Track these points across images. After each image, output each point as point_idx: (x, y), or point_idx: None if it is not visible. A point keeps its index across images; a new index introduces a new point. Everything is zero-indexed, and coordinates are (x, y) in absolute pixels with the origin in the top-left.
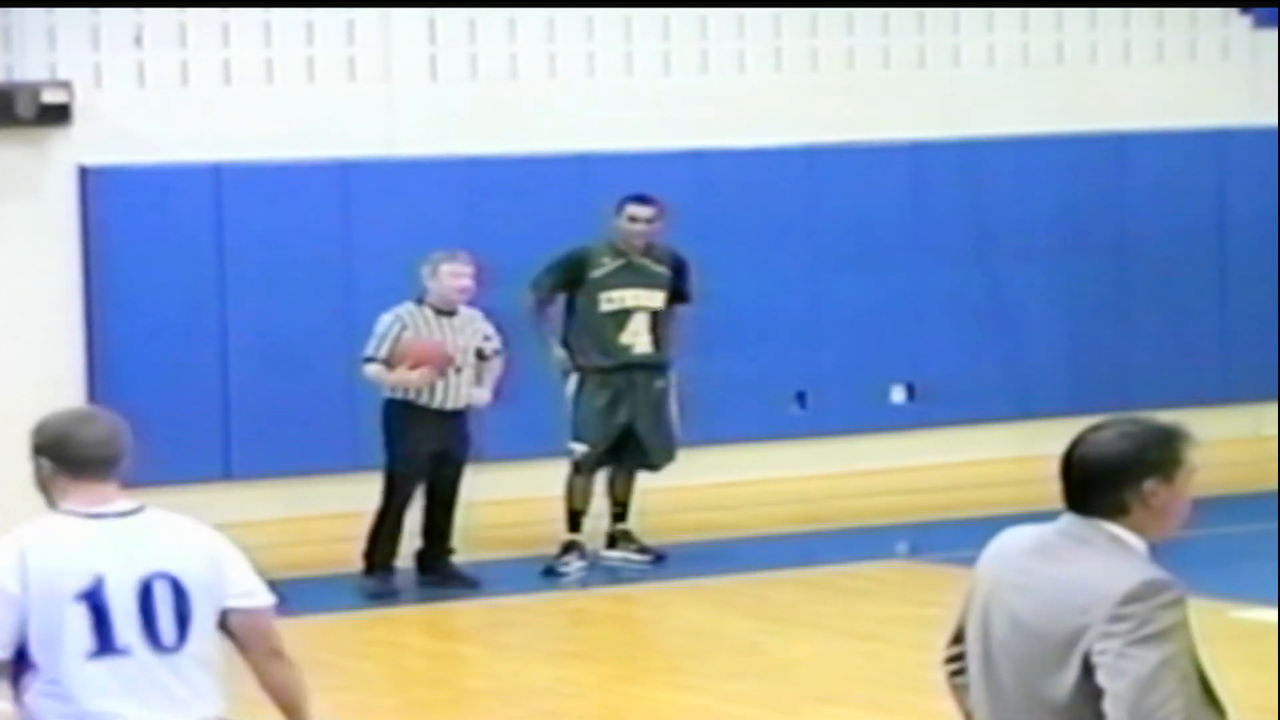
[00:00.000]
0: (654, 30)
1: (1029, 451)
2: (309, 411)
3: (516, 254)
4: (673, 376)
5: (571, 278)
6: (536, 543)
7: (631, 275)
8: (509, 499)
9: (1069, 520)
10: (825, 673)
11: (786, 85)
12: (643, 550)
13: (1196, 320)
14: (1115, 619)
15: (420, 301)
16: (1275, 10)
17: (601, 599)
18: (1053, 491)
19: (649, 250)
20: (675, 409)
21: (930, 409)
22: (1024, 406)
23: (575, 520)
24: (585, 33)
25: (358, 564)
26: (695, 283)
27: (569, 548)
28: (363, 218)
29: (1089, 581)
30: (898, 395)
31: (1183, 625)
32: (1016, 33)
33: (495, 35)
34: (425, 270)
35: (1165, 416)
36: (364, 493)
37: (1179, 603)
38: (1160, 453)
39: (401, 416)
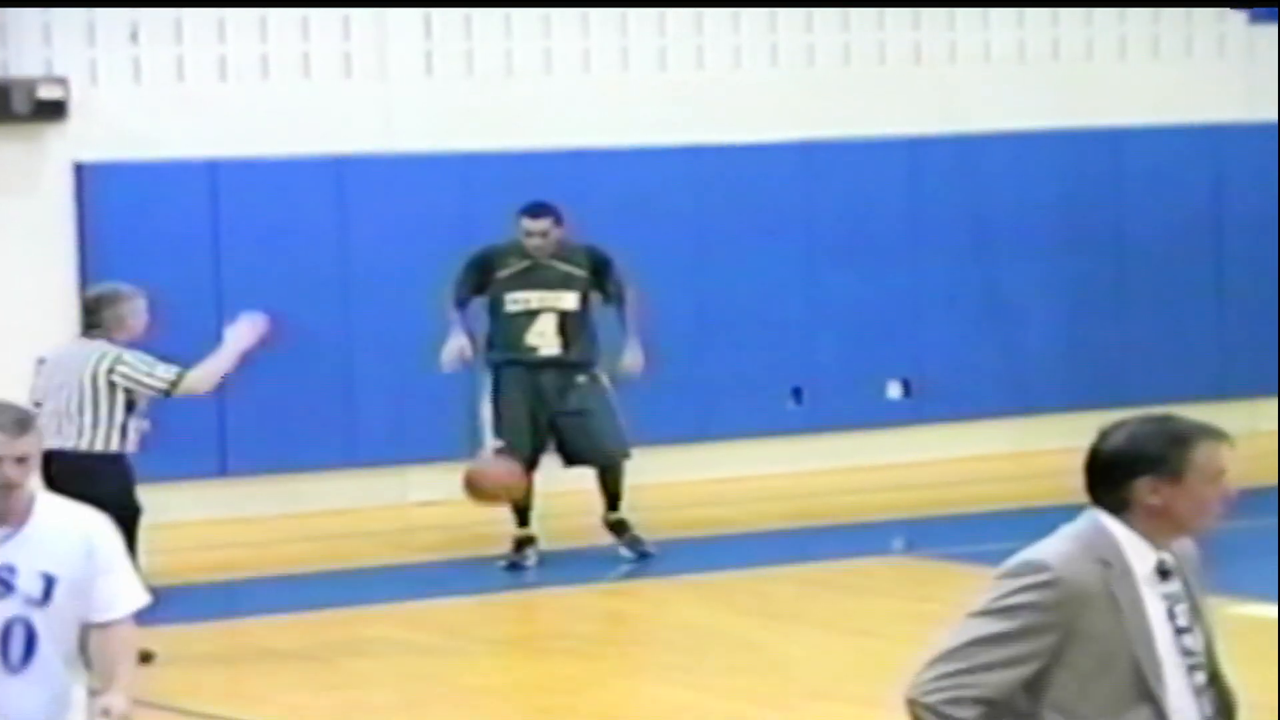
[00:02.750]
0: (650, 26)
1: (1025, 447)
2: (305, 408)
3: None
4: (600, 374)
5: (481, 279)
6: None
7: (537, 276)
8: None
9: (1085, 512)
10: (821, 668)
11: (782, 81)
12: (633, 544)
13: (1193, 316)
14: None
15: (122, 344)
16: (1274, 9)
17: (597, 595)
18: (1048, 487)
19: (559, 252)
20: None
21: (926, 405)
22: (1020, 402)
23: (523, 516)
24: (581, 29)
25: (354, 560)
26: (620, 279)
27: (522, 543)
28: (359, 214)
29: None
30: (894, 391)
31: (1041, 608)
32: (1012, 29)
33: (491, 31)
34: (127, 308)
35: (1201, 414)
36: (360, 489)
37: (1046, 586)
38: (1160, 451)
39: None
